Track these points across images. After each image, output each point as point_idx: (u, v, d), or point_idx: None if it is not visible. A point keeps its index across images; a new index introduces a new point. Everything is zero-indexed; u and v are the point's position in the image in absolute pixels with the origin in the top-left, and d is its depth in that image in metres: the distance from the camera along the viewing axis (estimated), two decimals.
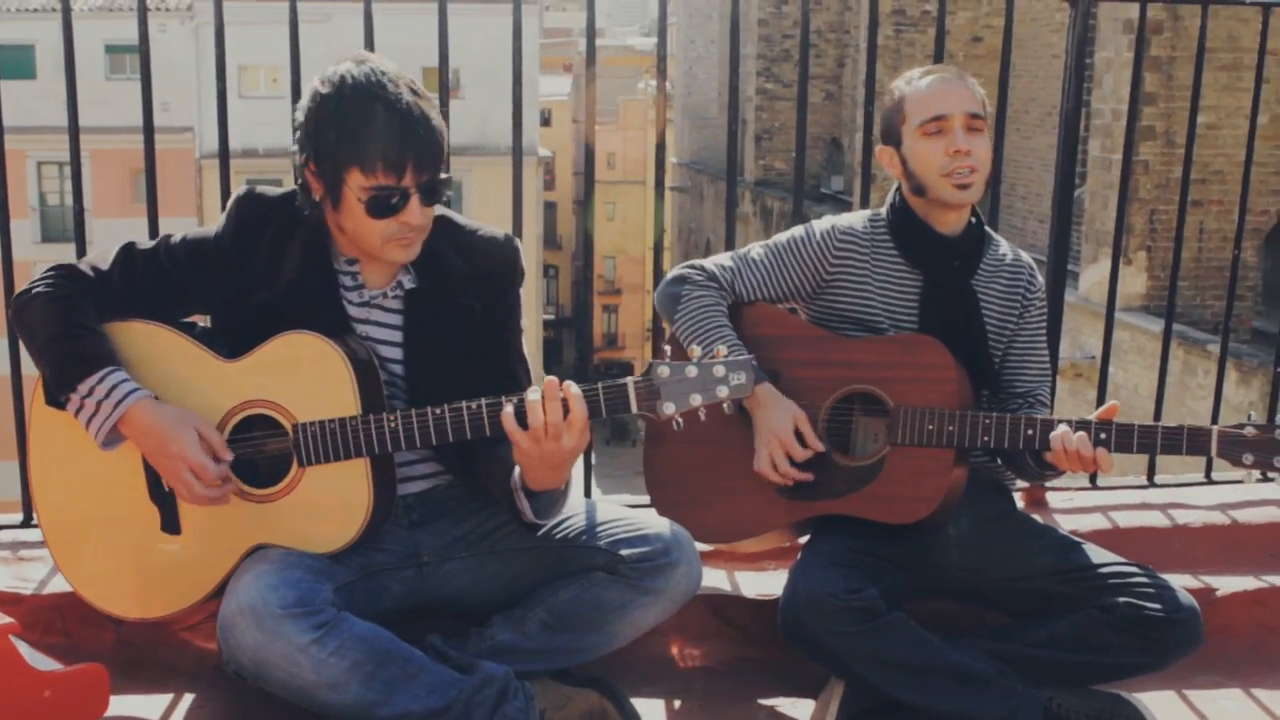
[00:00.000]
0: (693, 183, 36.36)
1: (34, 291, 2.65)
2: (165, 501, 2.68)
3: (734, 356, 2.49)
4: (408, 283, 2.77)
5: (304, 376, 2.63)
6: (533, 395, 2.51)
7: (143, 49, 3.37)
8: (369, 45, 3.35)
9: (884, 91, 3.12)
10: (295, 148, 2.66)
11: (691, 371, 2.47)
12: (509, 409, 2.52)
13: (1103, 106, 15.20)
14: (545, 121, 43.86)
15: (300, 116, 2.63)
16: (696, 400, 2.47)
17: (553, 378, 2.52)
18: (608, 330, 49.38)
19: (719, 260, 3.16)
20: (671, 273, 3.15)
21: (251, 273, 2.71)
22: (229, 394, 2.65)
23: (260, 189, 2.77)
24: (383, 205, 2.58)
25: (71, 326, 2.61)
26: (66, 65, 3.33)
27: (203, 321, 2.85)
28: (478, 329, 2.81)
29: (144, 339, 2.69)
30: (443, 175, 2.64)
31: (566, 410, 2.50)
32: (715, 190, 32.85)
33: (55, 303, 2.63)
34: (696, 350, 2.49)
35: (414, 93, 2.59)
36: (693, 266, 3.14)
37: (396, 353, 2.78)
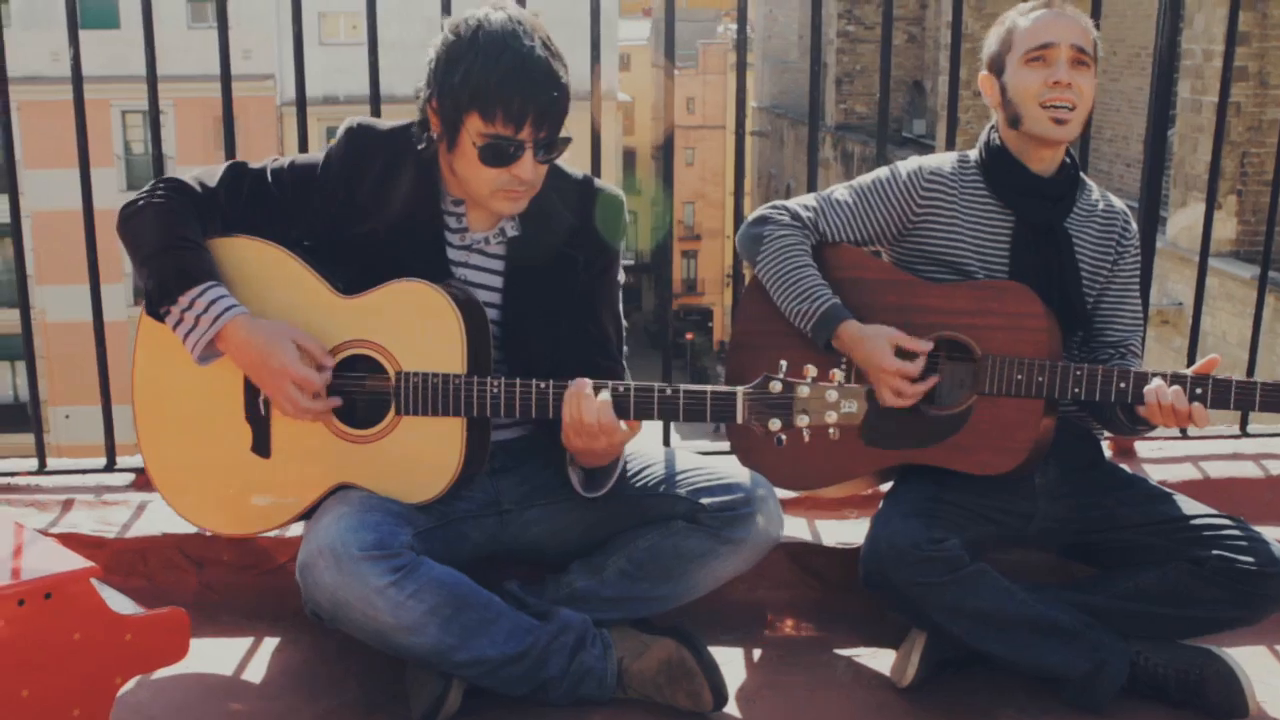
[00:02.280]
0: (773, 127, 36.08)
1: (141, 203, 2.66)
2: (259, 423, 2.70)
3: (849, 384, 2.47)
4: (510, 229, 2.75)
5: (416, 326, 2.62)
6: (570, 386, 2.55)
7: None
8: None
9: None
10: (422, 82, 2.64)
11: (804, 391, 2.46)
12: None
13: (1193, 47, 14.83)
14: (624, 66, 43.64)
15: (432, 52, 2.61)
16: (804, 421, 2.47)
17: (583, 382, 2.55)
18: (687, 276, 49.27)
19: (802, 201, 3.10)
20: (754, 214, 3.10)
21: (356, 204, 2.70)
22: (338, 329, 2.66)
23: (371, 121, 2.76)
24: (496, 154, 2.57)
25: (175, 240, 2.61)
26: (144, 14, 3.33)
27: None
28: (578, 281, 2.80)
29: (264, 259, 2.70)
30: (562, 135, 2.61)
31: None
32: (795, 134, 32.58)
33: (162, 215, 2.63)
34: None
35: (546, 48, 2.56)
36: (775, 207, 3.08)
37: (494, 298, 2.76)
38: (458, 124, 2.57)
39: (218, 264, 2.65)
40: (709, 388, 2.53)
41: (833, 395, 2.45)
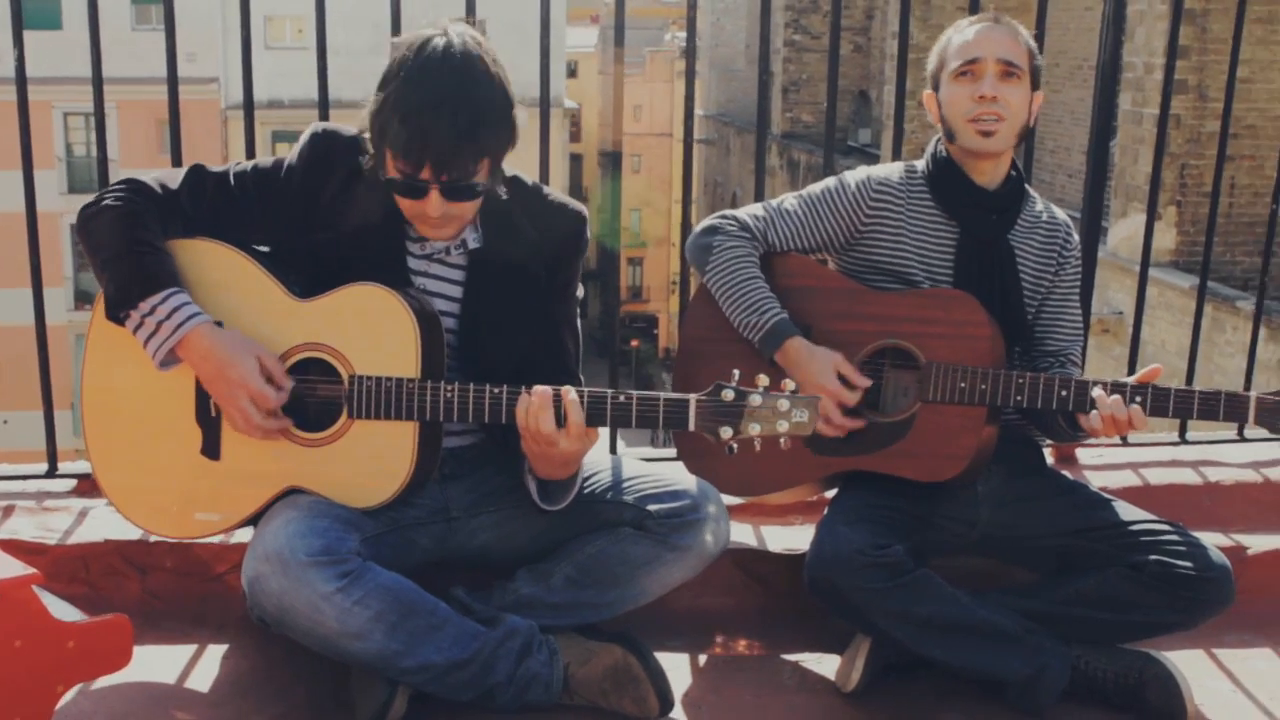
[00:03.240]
0: (719, 135, 36.16)
1: (103, 204, 2.62)
2: (209, 425, 2.68)
3: (801, 394, 2.46)
4: (472, 241, 2.74)
5: (371, 330, 2.61)
6: (531, 393, 2.53)
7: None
8: None
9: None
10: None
11: (755, 400, 2.45)
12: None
13: (1134, 60, 15.02)
14: (571, 73, 43.65)
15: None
16: (755, 430, 2.46)
17: (544, 389, 2.53)
18: (632, 283, 49.28)
19: (751, 210, 3.12)
20: (703, 223, 3.11)
21: (318, 210, 2.68)
22: (293, 332, 2.64)
23: (336, 127, 2.73)
24: (403, 189, 2.56)
25: (137, 243, 2.58)
26: (90, 16, 3.30)
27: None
28: (537, 295, 2.79)
29: (221, 261, 2.68)
30: (471, 181, 2.54)
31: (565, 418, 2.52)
32: (741, 142, 32.64)
33: (123, 217, 2.60)
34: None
35: (476, 86, 2.47)
36: (725, 217, 3.10)
37: (453, 308, 2.76)
38: (381, 152, 2.56)
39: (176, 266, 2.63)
40: (662, 395, 2.53)
41: (784, 405, 2.45)
